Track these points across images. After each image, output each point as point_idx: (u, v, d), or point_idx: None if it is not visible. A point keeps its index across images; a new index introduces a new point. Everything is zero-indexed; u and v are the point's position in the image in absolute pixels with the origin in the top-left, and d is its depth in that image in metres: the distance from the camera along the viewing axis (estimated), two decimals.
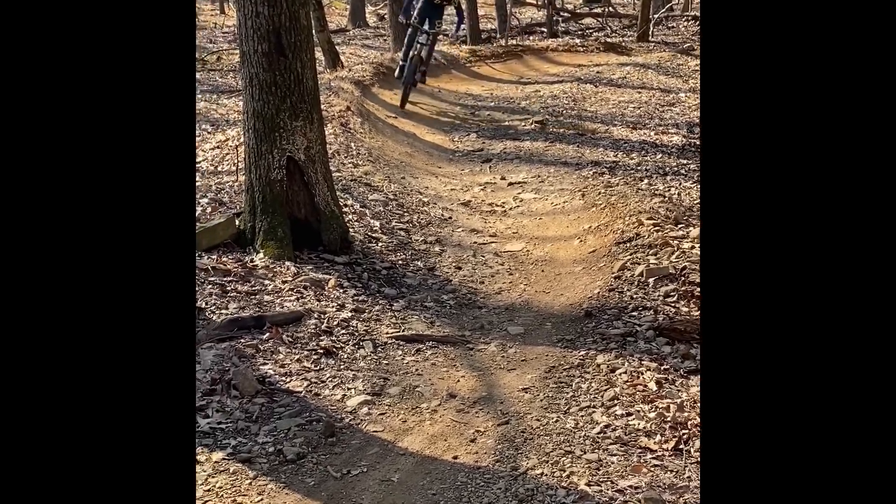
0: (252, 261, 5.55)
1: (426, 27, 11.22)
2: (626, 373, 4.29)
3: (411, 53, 11.26)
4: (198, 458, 3.63)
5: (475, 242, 6.84)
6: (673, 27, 20.75)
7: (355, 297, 5.36)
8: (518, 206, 7.75)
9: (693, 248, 5.74)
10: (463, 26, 12.88)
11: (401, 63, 11.65)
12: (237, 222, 5.92)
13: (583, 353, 4.59)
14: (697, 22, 19.16)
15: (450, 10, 12.03)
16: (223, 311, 4.81)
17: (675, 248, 5.77)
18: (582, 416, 3.94)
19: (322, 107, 6.44)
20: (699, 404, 3.76)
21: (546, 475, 3.47)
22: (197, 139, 9.41)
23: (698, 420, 3.73)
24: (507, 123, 11.03)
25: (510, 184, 8.45)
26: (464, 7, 13.61)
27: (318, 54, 11.80)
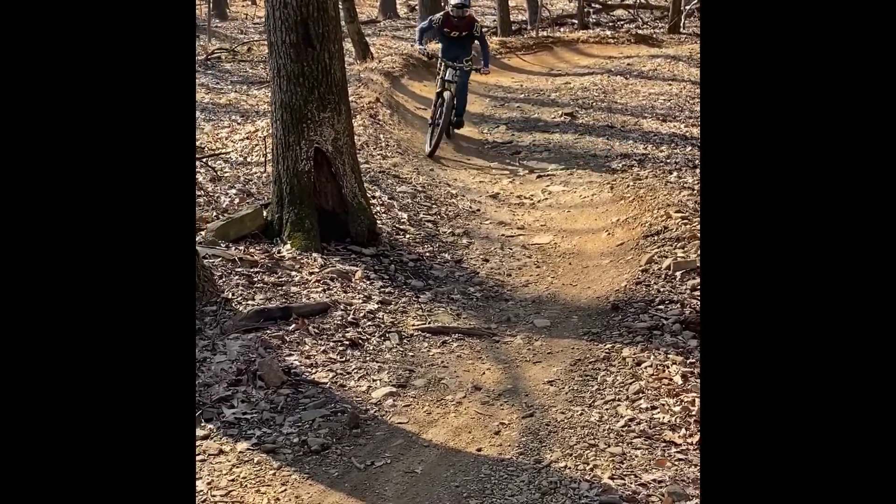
0: (279, 252, 5.57)
1: (458, 64, 9.21)
2: (651, 366, 4.27)
3: (437, 92, 9.36)
4: (222, 447, 3.65)
5: (503, 235, 6.83)
6: None
7: (382, 289, 5.37)
8: (546, 199, 7.72)
9: None
10: (489, 55, 9.82)
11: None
12: (265, 213, 5.94)
13: (609, 346, 4.57)
14: None
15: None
16: (250, 302, 4.84)
17: None
18: (607, 409, 3.93)
19: (351, 98, 6.44)
20: (699, 401, 3.73)
21: (570, 468, 3.46)
22: (226, 130, 9.47)
23: None
24: (536, 115, 10.99)
25: (539, 176, 8.42)
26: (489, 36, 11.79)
27: (348, 45, 11.75)
